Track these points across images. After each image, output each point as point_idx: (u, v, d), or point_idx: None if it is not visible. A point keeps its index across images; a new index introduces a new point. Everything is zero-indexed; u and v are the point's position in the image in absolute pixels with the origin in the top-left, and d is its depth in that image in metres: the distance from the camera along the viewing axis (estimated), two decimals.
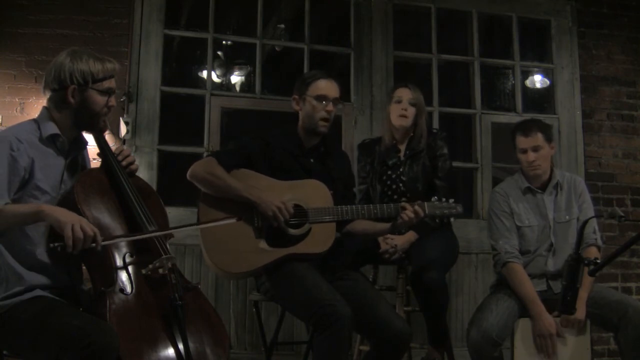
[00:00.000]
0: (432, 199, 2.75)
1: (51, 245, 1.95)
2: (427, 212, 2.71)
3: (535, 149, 3.00)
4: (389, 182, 3.36)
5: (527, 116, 4.47)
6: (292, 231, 2.64)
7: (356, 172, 3.51)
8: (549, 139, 3.04)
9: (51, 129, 2.17)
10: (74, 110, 2.19)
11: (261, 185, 2.67)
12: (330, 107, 2.77)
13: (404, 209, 2.67)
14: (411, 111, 3.33)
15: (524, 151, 3.02)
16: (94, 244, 1.94)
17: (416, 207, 2.68)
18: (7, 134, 2.14)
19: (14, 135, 2.11)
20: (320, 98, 2.77)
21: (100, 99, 2.20)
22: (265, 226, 2.63)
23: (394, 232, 2.83)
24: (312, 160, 2.83)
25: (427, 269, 2.99)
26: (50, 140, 2.18)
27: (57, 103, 2.20)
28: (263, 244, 2.62)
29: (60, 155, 2.21)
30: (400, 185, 3.32)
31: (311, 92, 2.79)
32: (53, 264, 2.11)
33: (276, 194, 2.64)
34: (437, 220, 2.97)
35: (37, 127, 2.18)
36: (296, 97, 2.85)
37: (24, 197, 2.09)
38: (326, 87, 2.79)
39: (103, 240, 1.98)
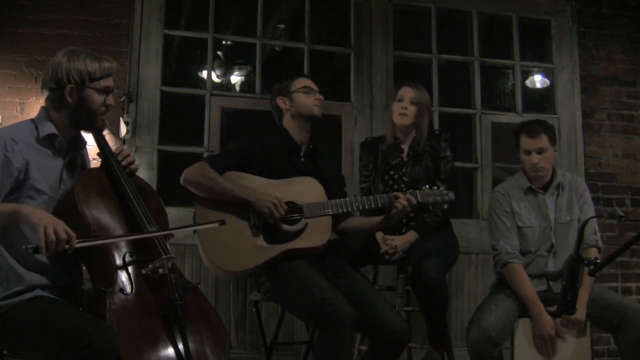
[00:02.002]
0: (423, 187, 2.81)
1: (24, 247, 1.89)
2: (419, 199, 2.75)
3: (540, 151, 2.99)
4: (390, 182, 3.36)
5: (527, 116, 4.46)
6: (289, 227, 2.66)
7: (357, 170, 3.52)
8: (553, 141, 3.03)
9: (49, 128, 2.17)
10: (71, 110, 2.18)
11: (254, 185, 2.70)
12: (318, 96, 2.90)
13: (397, 198, 2.71)
14: (412, 110, 3.34)
15: (528, 152, 3.01)
16: (67, 246, 1.90)
17: (409, 195, 2.72)
18: (3, 134, 2.12)
19: (9, 135, 2.11)
20: (307, 89, 2.90)
21: (97, 98, 2.19)
22: (261, 224, 2.65)
23: (389, 223, 2.83)
24: (303, 159, 2.87)
25: (427, 268, 2.99)
26: (48, 140, 2.18)
27: (55, 103, 2.19)
28: (261, 242, 2.64)
29: (58, 155, 2.20)
30: (402, 185, 3.31)
31: (296, 87, 2.91)
32: (53, 264, 2.11)
33: (270, 192, 2.66)
34: (430, 208, 3.00)
35: (35, 127, 2.18)
36: (282, 97, 2.93)
37: (21, 197, 2.08)
38: (307, 81, 2.95)
39: (79, 243, 1.93)
